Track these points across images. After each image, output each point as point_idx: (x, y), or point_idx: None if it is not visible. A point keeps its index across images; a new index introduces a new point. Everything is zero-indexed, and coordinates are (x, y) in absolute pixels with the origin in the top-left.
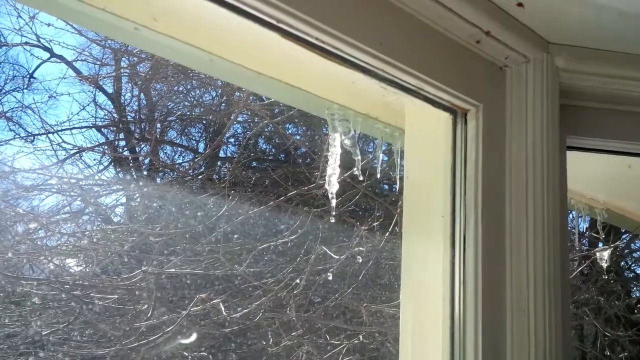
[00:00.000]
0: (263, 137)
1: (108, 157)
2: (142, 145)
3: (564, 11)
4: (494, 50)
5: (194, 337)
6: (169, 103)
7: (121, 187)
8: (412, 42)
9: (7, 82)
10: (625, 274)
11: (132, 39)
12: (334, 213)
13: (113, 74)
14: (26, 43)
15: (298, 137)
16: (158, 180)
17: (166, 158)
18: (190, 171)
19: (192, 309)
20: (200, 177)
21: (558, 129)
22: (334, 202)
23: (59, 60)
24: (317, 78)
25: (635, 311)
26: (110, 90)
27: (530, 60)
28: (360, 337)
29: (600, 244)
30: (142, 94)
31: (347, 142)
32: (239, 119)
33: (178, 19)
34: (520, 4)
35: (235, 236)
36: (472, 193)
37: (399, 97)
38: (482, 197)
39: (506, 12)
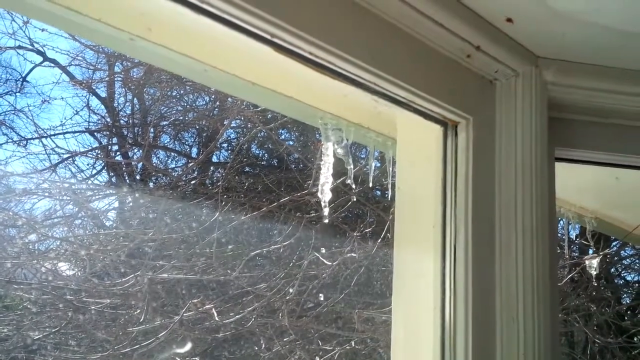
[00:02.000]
0: (256, 142)
1: (101, 162)
2: (135, 150)
3: (553, 27)
4: (484, 64)
5: (188, 346)
6: (162, 108)
7: (114, 191)
8: (404, 56)
9: (0, 85)
10: (615, 281)
11: (128, 49)
12: (326, 221)
13: (106, 78)
14: (19, 47)
15: (291, 143)
16: (151, 185)
17: (159, 163)
18: (183, 176)
19: (184, 314)
20: (193, 182)
21: (547, 141)
22: (326, 211)
23: (52, 65)
24: (310, 89)
25: (626, 318)
26: (103, 95)
27: (520, 74)
28: (352, 343)
29: (591, 251)
30: (135, 99)
31: (340, 151)
32: (232, 124)
33: (173, 30)
34: (509, 20)
35: (228, 242)
36: (462, 203)
37: (391, 108)
38: (472, 208)
39: (496, 27)
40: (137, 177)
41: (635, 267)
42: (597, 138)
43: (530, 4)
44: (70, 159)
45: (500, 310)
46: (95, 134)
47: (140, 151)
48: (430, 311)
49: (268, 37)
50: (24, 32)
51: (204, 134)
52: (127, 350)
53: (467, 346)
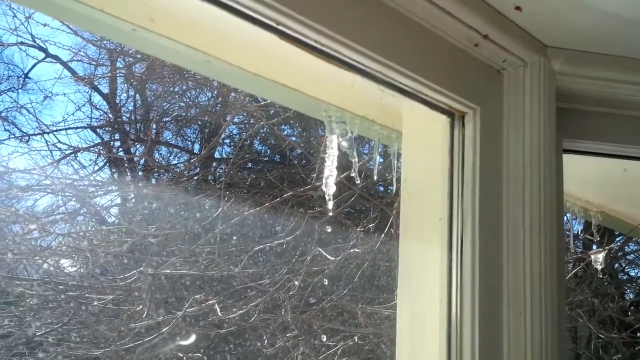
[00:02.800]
0: (258, 138)
1: (103, 158)
2: (138, 146)
3: (562, 15)
4: (491, 53)
5: (192, 338)
6: (165, 104)
7: (116, 187)
8: (411, 45)
9: (2, 81)
10: (619, 276)
11: (130, 40)
12: (330, 214)
13: (108, 74)
14: (21, 43)
15: (293, 139)
16: (153, 181)
17: (161, 159)
18: (186, 172)
19: (187, 310)
20: (195, 178)
21: (554, 132)
22: (331, 204)
23: (54, 61)
24: (315, 80)
25: (629, 313)
26: (105, 91)
27: (528, 63)
28: (356, 338)
29: (595, 246)
30: (137, 95)
31: (344, 144)
32: (235, 119)
33: (175, 19)
34: (518, 8)
35: (232, 237)
36: (469, 195)
37: (397, 99)
38: (479, 200)
39: (504, 15)
40: (140, 173)
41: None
42: (606, 129)
43: None
44: (73, 155)
45: (507, 304)
46: (98, 129)
47: (143, 147)
48: (436, 305)
49: (273, 24)
50: (26, 28)
51: (207, 130)
52: (129, 345)
53: (473, 340)
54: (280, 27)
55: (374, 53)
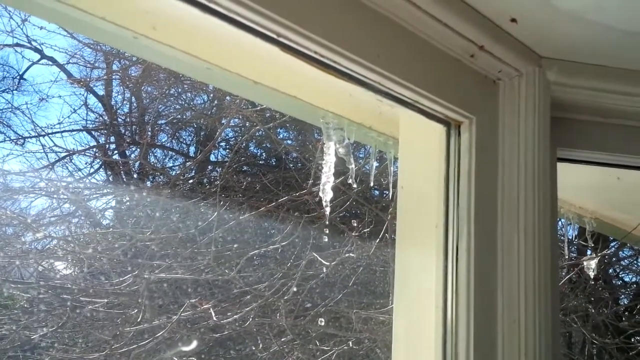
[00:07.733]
0: (254, 141)
1: (98, 161)
2: (133, 149)
3: (556, 26)
4: (487, 64)
5: (193, 344)
6: (160, 106)
7: (111, 190)
8: (408, 56)
9: None
10: (613, 282)
11: (132, 48)
12: (326, 221)
13: (104, 76)
14: (17, 44)
15: (289, 142)
16: (148, 184)
17: (157, 162)
18: (181, 175)
19: (183, 314)
20: (191, 181)
21: (549, 141)
22: (328, 210)
23: (50, 63)
24: (313, 88)
25: (623, 319)
26: (101, 93)
27: (523, 74)
28: (350, 343)
29: (589, 252)
30: (133, 97)
31: (341, 150)
32: (231, 123)
33: (177, 28)
34: (513, 20)
35: (227, 241)
36: (465, 203)
37: (394, 108)
38: (474, 208)
39: (500, 27)
40: (135, 176)
41: (633, 268)
42: (599, 138)
43: (534, 3)
44: (68, 157)
45: (502, 311)
46: (93, 132)
47: (138, 150)
48: (432, 311)
49: (274, 36)
50: (22, 29)
51: (202, 133)
52: (124, 349)
53: (468, 347)
54: (281, 39)
55: (372, 64)
